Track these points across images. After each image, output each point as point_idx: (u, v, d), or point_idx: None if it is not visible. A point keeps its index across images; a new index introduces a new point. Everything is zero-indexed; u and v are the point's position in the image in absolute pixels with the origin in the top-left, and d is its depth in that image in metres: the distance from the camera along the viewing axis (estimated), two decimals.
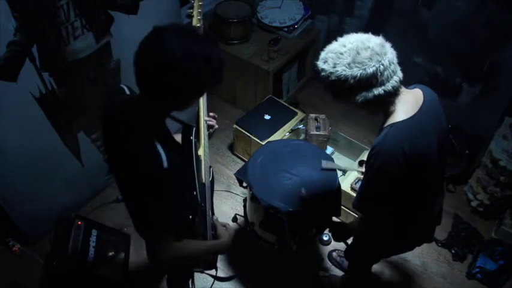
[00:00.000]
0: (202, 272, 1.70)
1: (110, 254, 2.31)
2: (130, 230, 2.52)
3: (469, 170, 2.84)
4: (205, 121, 1.62)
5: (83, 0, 2.01)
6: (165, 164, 1.14)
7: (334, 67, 1.25)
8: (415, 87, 1.43)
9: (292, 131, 2.86)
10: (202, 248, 1.44)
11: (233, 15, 3.02)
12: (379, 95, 1.26)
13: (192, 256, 1.43)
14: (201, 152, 1.53)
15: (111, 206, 2.72)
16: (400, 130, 1.31)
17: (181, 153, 1.37)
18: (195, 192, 1.43)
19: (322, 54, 1.31)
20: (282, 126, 2.86)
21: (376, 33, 1.28)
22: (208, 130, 1.66)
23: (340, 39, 1.30)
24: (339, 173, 2.70)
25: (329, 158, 2.14)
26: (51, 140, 2.26)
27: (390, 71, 1.25)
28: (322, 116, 2.81)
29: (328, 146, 2.88)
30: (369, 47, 1.23)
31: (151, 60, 1.06)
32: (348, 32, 1.33)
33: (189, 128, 1.42)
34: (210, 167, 1.69)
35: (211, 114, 1.68)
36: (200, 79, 1.11)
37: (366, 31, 1.31)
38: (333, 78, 1.25)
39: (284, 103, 3.07)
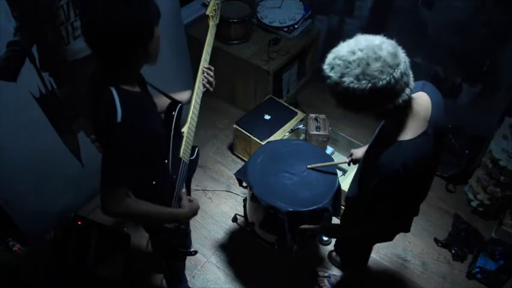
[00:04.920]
0: (168, 238, 1.71)
1: (110, 254, 2.31)
2: (130, 230, 2.52)
3: (469, 170, 2.84)
4: (202, 83, 1.67)
5: (83, 0, 2.01)
6: (119, 119, 1.21)
7: (342, 77, 1.16)
8: (422, 90, 1.37)
9: (292, 131, 2.86)
10: (155, 210, 1.45)
11: (233, 15, 3.02)
12: (388, 109, 1.19)
13: (143, 216, 1.45)
14: (185, 129, 1.59)
15: None
16: (407, 148, 1.27)
17: (156, 119, 1.46)
18: (166, 161, 1.50)
19: (329, 59, 1.21)
20: (282, 126, 2.86)
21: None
22: (205, 88, 1.69)
23: (350, 43, 1.19)
24: (339, 173, 2.71)
25: (329, 158, 2.14)
26: (51, 140, 2.26)
27: (402, 83, 1.16)
28: (322, 116, 2.81)
29: (328, 146, 2.88)
30: (380, 57, 1.13)
31: (91, 28, 1.17)
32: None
33: (175, 105, 1.54)
34: (196, 147, 1.75)
35: (205, 67, 1.68)
36: (135, 21, 1.17)
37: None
38: (339, 89, 1.18)
39: (284, 103, 3.07)
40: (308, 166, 2.05)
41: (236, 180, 2.24)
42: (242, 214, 2.38)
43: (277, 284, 2.39)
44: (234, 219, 2.56)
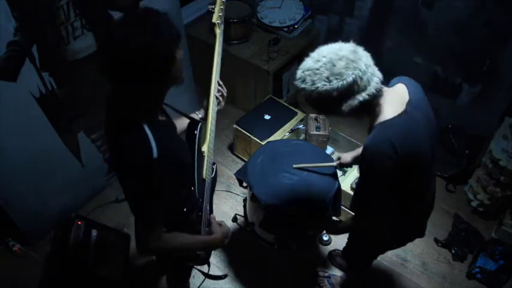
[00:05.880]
0: (192, 266, 1.70)
1: (110, 254, 2.31)
2: (130, 230, 2.52)
3: (469, 170, 2.84)
4: (215, 96, 1.64)
5: (83, 0, 2.01)
6: (155, 154, 1.16)
7: (314, 84, 1.25)
8: (398, 82, 1.43)
9: (292, 131, 2.86)
10: (191, 241, 1.43)
11: (233, 15, 3.02)
12: (364, 100, 1.27)
13: (180, 249, 1.42)
14: (204, 148, 1.54)
15: (111, 206, 2.72)
16: (388, 127, 1.32)
17: (183, 147, 1.40)
18: (192, 188, 1.46)
19: (298, 74, 1.31)
20: (282, 126, 2.86)
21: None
22: (218, 100, 1.68)
23: (313, 55, 1.30)
24: (339, 173, 2.71)
25: (329, 158, 2.14)
26: (51, 140, 2.26)
27: (369, 74, 1.26)
28: (322, 116, 2.81)
29: (328, 146, 2.88)
30: (343, 56, 1.24)
31: (114, 55, 1.08)
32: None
33: (195, 123, 1.49)
34: (214, 163, 1.70)
35: (219, 82, 1.67)
36: (157, 46, 1.09)
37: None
38: (315, 95, 1.27)
39: (284, 103, 3.07)
40: (294, 166, 2.05)
41: (236, 180, 2.24)
42: (242, 214, 2.38)
43: (277, 284, 2.39)
44: (234, 219, 2.56)
